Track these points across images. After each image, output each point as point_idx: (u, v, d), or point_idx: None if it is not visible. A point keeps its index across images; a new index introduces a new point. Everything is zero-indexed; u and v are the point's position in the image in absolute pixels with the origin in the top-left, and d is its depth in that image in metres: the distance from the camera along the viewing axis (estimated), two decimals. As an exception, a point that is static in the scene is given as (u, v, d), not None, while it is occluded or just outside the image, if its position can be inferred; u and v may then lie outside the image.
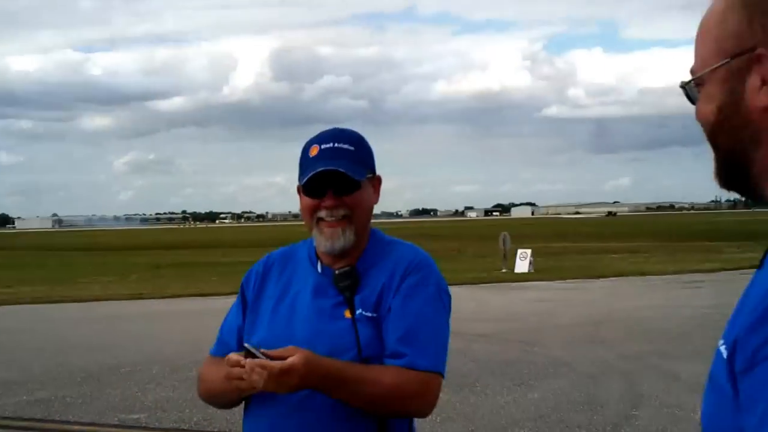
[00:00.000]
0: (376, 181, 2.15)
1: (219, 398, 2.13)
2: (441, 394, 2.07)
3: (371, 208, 2.14)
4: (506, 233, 26.64)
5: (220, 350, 2.15)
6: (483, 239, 49.14)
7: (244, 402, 2.13)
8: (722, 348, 1.04)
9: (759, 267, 1.10)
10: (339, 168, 2.01)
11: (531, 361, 9.96)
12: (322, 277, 2.11)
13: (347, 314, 2.03)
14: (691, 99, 1.17)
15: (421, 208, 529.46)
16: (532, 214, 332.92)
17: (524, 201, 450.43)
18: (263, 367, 1.85)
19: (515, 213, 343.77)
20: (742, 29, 1.07)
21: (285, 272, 2.17)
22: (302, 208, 2.11)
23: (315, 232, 2.08)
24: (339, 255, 2.08)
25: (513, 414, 7.41)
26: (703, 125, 1.15)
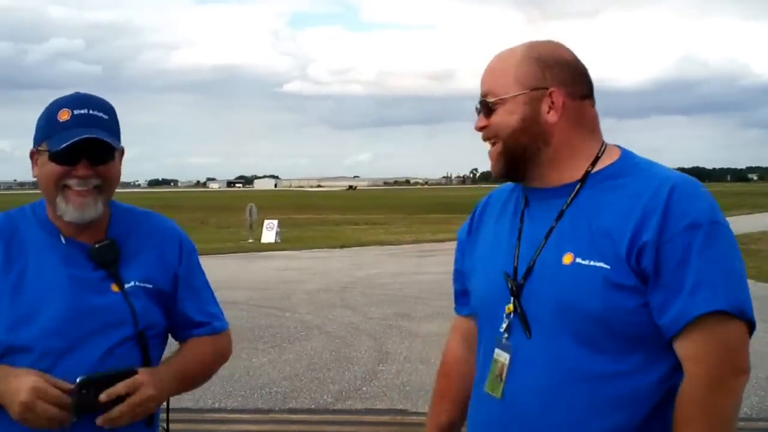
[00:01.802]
0: (121, 153, 2.00)
1: None
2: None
3: (119, 180, 2.03)
4: (253, 204, 26.84)
5: None
6: (227, 210, 48.85)
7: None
8: (598, 263, 1.60)
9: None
10: (101, 137, 1.88)
11: (283, 325, 10.30)
12: (68, 249, 1.96)
13: (114, 288, 1.94)
14: (484, 112, 1.76)
15: (160, 179, 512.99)
16: (276, 186, 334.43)
17: (267, 174, 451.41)
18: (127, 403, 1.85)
19: (258, 185, 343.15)
20: (537, 74, 1.71)
21: (10, 245, 1.96)
22: (44, 174, 1.93)
23: (59, 201, 1.91)
24: (85, 225, 1.95)
25: (269, 374, 7.69)
26: (501, 129, 1.74)
